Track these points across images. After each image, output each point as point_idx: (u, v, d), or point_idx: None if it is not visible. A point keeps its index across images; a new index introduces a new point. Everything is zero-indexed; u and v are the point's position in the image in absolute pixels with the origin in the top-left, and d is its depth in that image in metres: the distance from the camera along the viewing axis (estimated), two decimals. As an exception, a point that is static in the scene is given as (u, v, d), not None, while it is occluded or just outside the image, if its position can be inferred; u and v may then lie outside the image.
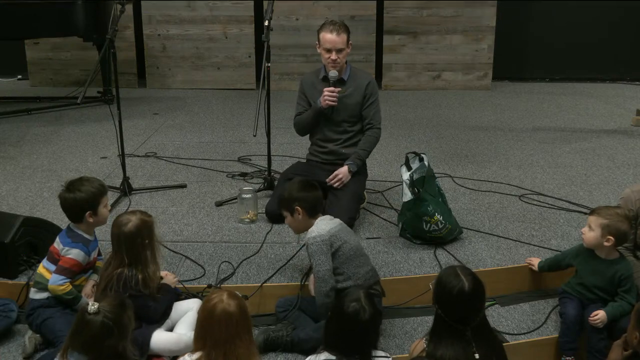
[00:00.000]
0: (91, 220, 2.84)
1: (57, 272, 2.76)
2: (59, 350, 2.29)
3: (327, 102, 3.71)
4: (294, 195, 2.90)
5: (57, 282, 2.74)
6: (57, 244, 2.84)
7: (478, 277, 2.25)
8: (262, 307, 3.03)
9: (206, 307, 2.23)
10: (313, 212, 2.90)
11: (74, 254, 2.79)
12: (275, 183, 4.18)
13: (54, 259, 2.81)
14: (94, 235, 2.92)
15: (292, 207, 2.89)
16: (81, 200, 2.80)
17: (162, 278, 2.94)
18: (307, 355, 2.47)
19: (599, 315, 2.74)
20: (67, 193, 2.82)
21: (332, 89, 3.71)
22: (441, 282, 2.26)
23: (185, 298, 2.96)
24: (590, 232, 2.83)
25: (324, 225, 2.84)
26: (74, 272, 2.79)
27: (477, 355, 2.18)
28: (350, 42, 3.71)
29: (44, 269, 2.83)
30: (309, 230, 2.85)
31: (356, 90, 3.78)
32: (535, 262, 3.22)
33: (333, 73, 3.72)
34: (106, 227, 2.91)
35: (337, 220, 2.93)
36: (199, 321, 2.26)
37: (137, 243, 2.69)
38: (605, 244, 2.80)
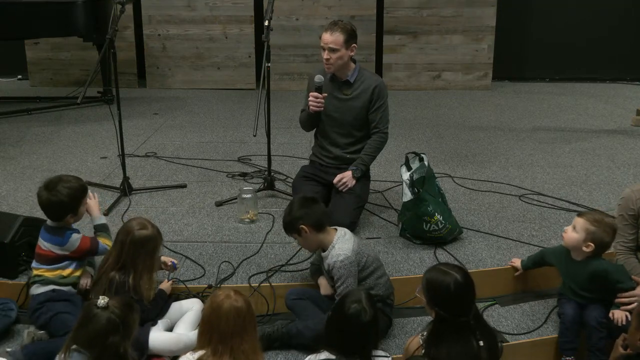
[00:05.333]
0: (72, 220, 2.90)
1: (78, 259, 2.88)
2: (58, 346, 2.29)
3: (312, 108, 3.68)
4: (295, 215, 2.82)
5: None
6: (49, 247, 2.84)
7: (459, 265, 2.28)
8: (260, 307, 3.02)
9: (213, 303, 2.24)
10: (320, 227, 2.82)
11: (77, 238, 2.85)
12: (274, 182, 4.19)
13: (47, 259, 2.84)
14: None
15: (298, 228, 2.80)
16: (64, 204, 2.83)
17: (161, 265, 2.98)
18: (306, 349, 2.46)
19: (617, 316, 2.70)
20: (49, 195, 2.82)
21: (316, 94, 3.65)
22: (433, 284, 2.27)
23: (186, 298, 2.96)
24: (573, 234, 2.80)
25: (346, 244, 2.79)
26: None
27: (481, 343, 2.20)
28: (353, 45, 3.61)
29: (40, 269, 2.85)
30: (333, 253, 2.77)
31: (362, 93, 3.70)
32: (517, 262, 3.20)
33: (318, 78, 3.65)
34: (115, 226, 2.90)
35: (349, 233, 2.88)
36: (204, 317, 2.27)
37: (139, 251, 2.71)
38: (584, 249, 2.78)
